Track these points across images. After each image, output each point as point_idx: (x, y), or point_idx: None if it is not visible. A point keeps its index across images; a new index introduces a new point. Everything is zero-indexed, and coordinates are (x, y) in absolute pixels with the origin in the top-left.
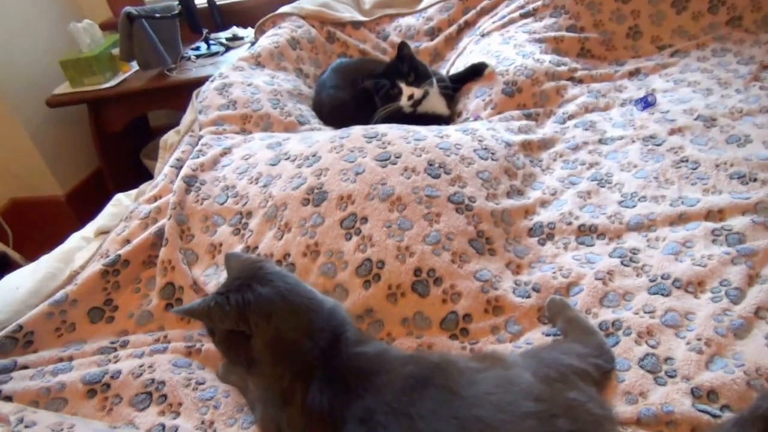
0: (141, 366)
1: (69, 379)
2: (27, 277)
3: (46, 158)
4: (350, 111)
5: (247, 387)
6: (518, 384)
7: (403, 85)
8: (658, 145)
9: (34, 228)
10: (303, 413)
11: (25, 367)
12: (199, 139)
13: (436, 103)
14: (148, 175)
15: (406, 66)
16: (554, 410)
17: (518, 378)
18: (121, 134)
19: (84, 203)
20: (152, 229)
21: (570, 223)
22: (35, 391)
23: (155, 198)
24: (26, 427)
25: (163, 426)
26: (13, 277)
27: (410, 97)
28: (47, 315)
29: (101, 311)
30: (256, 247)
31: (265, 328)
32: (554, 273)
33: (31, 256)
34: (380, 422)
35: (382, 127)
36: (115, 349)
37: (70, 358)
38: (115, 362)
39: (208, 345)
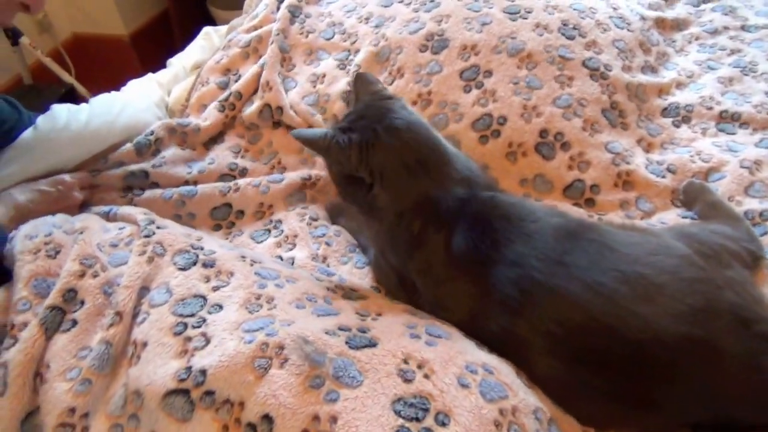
0: (261, 205)
1: (199, 212)
2: (137, 96)
3: None
4: None
5: (358, 230)
6: (677, 251)
7: None
8: None
9: (96, 65)
10: (445, 255)
11: (156, 184)
12: None
13: None
14: (212, 23)
15: None
16: (718, 282)
17: (675, 246)
18: None
19: (147, 45)
20: (261, 60)
21: (711, 108)
22: (170, 216)
23: (255, 28)
24: (158, 228)
25: (281, 257)
26: (128, 89)
27: None
28: (171, 130)
29: (213, 140)
30: None
31: (388, 179)
32: (692, 156)
33: (93, 94)
34: (534, 267)
35: None
36: (234, 177)
37: (195, 182)
38: (236, 191)
39: (324, 176)
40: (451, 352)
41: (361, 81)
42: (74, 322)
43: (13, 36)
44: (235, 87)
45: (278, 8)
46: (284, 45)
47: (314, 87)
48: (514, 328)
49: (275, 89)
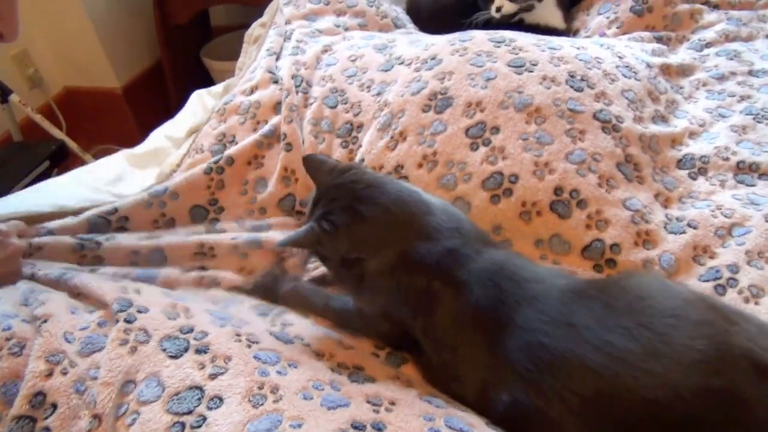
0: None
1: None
2: (114, 167)
3: (106, 47)
4: (453, 16)
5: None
6: (677, 293)
7: None
8: None
9: (87, 119)
10: (455, 320)
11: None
12: (289, 32)
13: (550, 14)
14: (206, 74)
15: None
16: (724, 325)
17: (672, 286)
18: (183, 28)
19: (140, 98)
20: (263, 129)
21: (727, 159)
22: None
23: (252, 89)
24: (139, 312)
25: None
26: (103, 162)
27: (498, 8)
28: (146, 204)
29: (205, 210)
30: (362, 159)
31: (377, 249)
32: (713, 211)
33: (85, 148)
34: (544, 331)
35: (508, 33)
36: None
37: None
38: (212, 257)
39: None
40: None
41: (311, 164)
42: (47, 431)
43: (2, 94)
44: (227, 152)
45: (276, 67)
46: (298, 123)
47: None
48: (527, 398)
49: (302, 181)
